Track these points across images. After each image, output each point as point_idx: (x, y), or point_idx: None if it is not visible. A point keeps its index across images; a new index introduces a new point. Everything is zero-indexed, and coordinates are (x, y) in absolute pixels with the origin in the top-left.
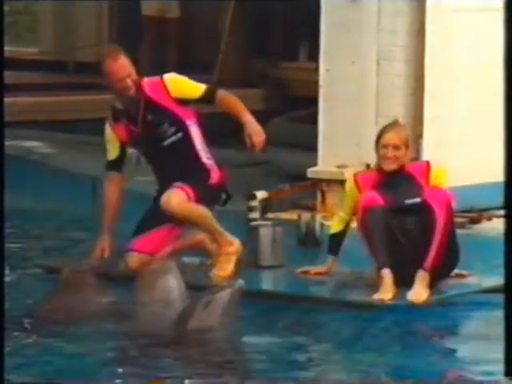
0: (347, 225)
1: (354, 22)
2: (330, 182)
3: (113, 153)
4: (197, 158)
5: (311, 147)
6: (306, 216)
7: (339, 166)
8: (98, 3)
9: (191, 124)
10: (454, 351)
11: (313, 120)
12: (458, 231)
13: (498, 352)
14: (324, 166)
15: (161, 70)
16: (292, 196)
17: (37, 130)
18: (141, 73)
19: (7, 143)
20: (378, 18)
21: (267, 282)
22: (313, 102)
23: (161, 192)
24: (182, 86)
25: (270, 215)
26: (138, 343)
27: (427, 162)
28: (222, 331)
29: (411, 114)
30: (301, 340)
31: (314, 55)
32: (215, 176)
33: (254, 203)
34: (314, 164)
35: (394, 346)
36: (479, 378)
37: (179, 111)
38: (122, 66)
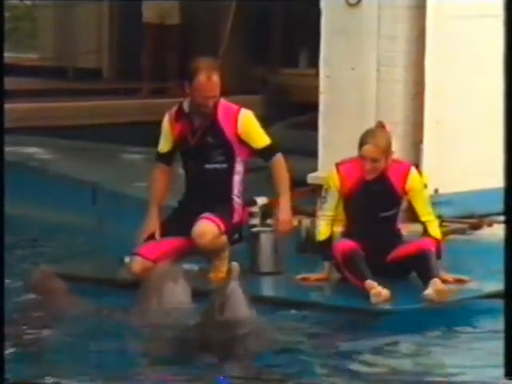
0: (334, 225)
1: (353, 29)
2: None
3: (165, 146)
4: (228, 192)
5: (311, 153)
6: (306, 222)
7: None
8: (98, 10)
9: (239, 161)
10: (454, 354)
11: (313, 126)
12: (459, 237)
13: (497, 355)
14: (324, 171)
15: (162, 75)
16: (292, 202)
17: (36, 136)
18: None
19: (7, 149)
20: (378, 25)
21: (267, 287)
22: (313, 107)
23: (185, 206)
24: (251, 129)
25: (270, 221)
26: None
27: (409, 165)
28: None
29: (411, 119)
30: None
31: (314, 61)
32: (237, 216)
33: (255, 209)
34: (315, 170)
35: (396, 349)
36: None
37: (236, 146)
38: (214, 86)
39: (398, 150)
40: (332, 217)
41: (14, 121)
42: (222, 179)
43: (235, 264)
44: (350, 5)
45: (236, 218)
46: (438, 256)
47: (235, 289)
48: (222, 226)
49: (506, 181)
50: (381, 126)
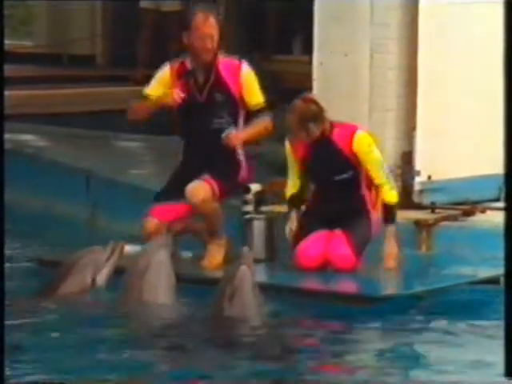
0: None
1: (347, 15)
2: None
3: (156, 90)
4: (234, 151)
5: None
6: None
7: None
8: None
9: (241, 116)
10: (448, 342)
11: None
12: (452, 224)
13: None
14: None
15: (156, 62)
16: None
17: (31, 123)
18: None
19: None
20: (371, 11)
21: (261, 274)
22: None
23: (187, 168)
24: (251, 86)
25: (264, 208)
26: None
27: (354, 128)
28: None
29: (404, 106)
30: None
31: (307, 48)
32: (244, 173)
33: (249, 196)
34: None
35: (388, 337)
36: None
37: (240, 100)
38: (211, 25)
39: (391, 136)
40: (297, 184)
41: (8, 108)
42: None
43: (246, 249)
44: None
45: (243, 175)
46: (392, 220)
47: (245, 275)
48: (217, 187)
49: (506, 166)
50: (301, 98)
